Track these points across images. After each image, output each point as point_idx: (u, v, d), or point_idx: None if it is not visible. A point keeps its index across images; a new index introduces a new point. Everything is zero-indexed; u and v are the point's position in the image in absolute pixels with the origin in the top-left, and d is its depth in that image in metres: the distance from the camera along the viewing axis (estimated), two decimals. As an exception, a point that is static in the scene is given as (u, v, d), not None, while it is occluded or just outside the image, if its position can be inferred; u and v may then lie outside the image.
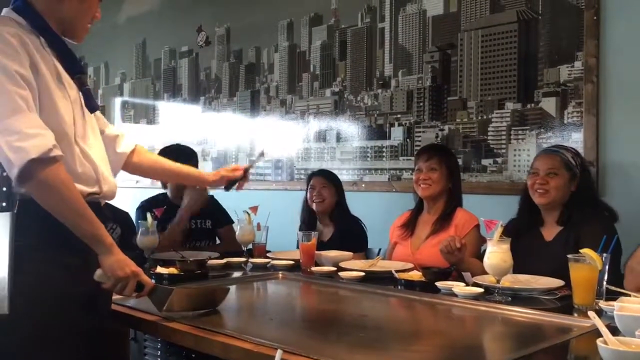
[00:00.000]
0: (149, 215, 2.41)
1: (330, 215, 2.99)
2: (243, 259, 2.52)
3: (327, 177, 3.03)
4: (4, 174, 1.30)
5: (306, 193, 3.04)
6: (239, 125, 4.26)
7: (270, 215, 2.69)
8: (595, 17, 2.60)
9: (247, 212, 2.66)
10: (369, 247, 3.00)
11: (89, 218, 1.36)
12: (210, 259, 2.45)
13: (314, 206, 2.97)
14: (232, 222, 3.06)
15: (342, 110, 3.65)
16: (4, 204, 1.30)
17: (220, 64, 4.42)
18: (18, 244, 1.30)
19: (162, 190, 3.18)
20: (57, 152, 1.30)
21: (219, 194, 3.47)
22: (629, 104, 2.55)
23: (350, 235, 2.91)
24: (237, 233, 2.68)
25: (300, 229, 2.96)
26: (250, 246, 2.67)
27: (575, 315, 1.64)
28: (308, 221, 3.02)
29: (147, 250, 2.41)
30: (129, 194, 3.23)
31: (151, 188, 3.54)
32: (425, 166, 2.51)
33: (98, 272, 1.41)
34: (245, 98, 4.24)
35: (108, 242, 1.40)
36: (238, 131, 4.25)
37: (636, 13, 2.52)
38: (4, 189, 1.30)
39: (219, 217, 3.12)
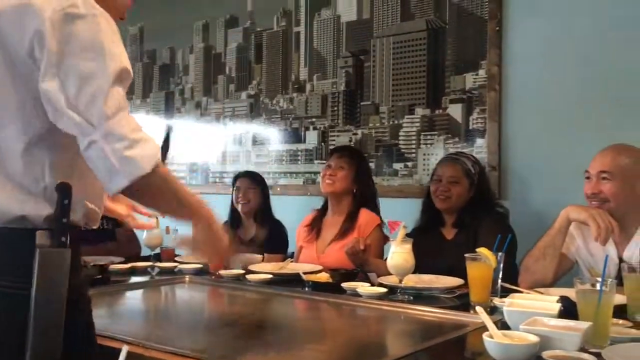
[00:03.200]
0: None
1: (255, 217, 2.99)
2: (149, 263, 2.45)
3: (252, 179, 3.04)
4: (65, 201, 1.10)
5: (232, 194, 3.03)
6: (152, 128, 4.14)
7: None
8: (497, 28, 2.74)
9: (155, 215, 2.59)
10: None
11: (193, 200, 1.24)
12: (113, 263, 2.37)
13: (239, 207, 2.96)
14: None
15: (257, 114, 3.64)
16: (63, 239, 1.11)
17: (133, 63, 4.27)
18: (73, 282, 1.14)
19: None
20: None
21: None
22: (527, 111, 2.69)
23: (272, 237, 2.93)
24: (144, 236, 2.60)
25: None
26: (157, 250, 2.60)
27: (471, 312, 1.69)
28: (232, 221, 3.01)
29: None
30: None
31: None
32: (334, 163, 2.55)
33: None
34: (160, 99, 4.14)
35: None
36: (151, 133, 4.14)
37: (535, 24, 2.67)
38: (64, 220, 1.10)
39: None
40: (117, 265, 2.37)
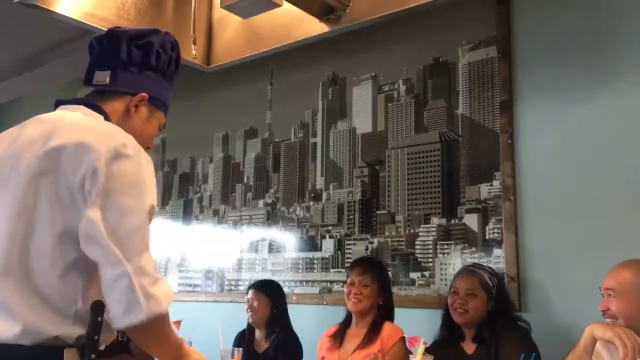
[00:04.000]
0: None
1: (266, 327, 2.96)
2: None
3: (260, 289, 3.04)
4: (99, 319, 1.17)
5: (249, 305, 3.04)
6: (170, 235, 4.22)
7: (196, 329, 2.62)
8: (509, 141, 2.82)
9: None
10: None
11: (178, 348, 1.32)
12: None
13: (251, 320, 2.95)
14: None
15: (274, 221, 3.69)
16: (92, 356, 1.16)
17: (154, 172, 4.43)
18: None
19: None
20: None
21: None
22: (544, 220, 2.70)
23: (287, 350, 2.88)
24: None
25: (237, 340, 2.91)
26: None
27: None
28: (247, 334, 2.98)
29: None
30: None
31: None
32: (358, 280, 2.56)
33: None
34: (178, 207, 4.24)
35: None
36: (169, 240, 4.21)
37: (545, 137, 2.75)
38: (96, 337, 1.16)
39: None
40: (130, 379, 2.33)
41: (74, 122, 1.26)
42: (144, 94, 1.40)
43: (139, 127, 1.40)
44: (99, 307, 1.17)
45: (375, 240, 3.21)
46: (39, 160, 1.19)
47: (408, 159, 3.18)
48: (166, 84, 1.48)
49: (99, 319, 1.16)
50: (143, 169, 1.21)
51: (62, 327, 1.15)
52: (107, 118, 1.33)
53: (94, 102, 1.35)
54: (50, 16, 2.66)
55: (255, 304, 2.96)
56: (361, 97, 3.44)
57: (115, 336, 1.29)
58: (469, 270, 2.43)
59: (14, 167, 1.21)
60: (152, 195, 1.22)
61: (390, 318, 2.57)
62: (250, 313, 2.95)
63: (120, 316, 1.14)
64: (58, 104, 1.37)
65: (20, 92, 4.82)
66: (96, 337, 1.16)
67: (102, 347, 1.25)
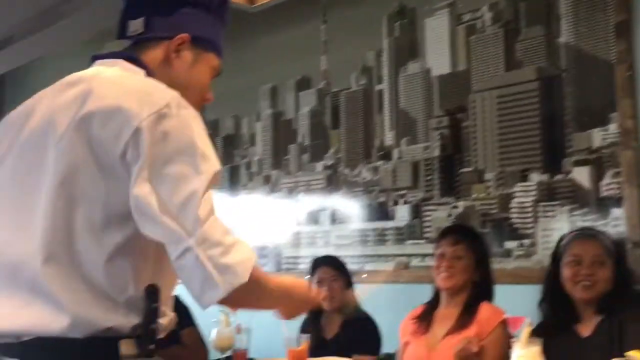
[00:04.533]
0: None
1: (339, 310, 2.97)
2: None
3: (336, 267, 3.04)
4: (154, 305, 1.19)
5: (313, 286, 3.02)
6: (215, 208, 4.24)
7: (254, 315, 2.62)
8: (628, 73, 2.67)
9: (224, 312, 2.61)
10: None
11: (281, 289, 1.38)
12: None
13: (324, 304, 2.93)
14: (194, 324, 3.04)
15: (336, 187, 3.66)
16: (151, 347, 1.18)
17: (193, 136, 4.47)
18: None
19: None
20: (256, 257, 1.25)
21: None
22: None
23: (362, 336, 2.88)
24: (212, 337, 2.63)
25: (304, 326, 2.92)
26: (229, 353, 2.60)
27: None
28: (313, 318, 2.98)
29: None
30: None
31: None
32: (449, 252, 2.51)
33: None
34: (223, 175, 4.25)
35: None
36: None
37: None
38: (153, 325, 1.19)
39: (181, 317, 3.07)
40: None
41: (111, 81, 1.27)
42: (183, 35, 1.39)
43: (184, 75, 1.39)
44: (153, 292, 1.19)
45: (460, 204, 3.14)
46: (75, 128, 1.20)
47: (498, 103, 3.07)
48: (212, 20, 1.46)
49: (154, 305, 1.19)
50: (192, 128, 1.20)
51: (115, 317, 1.17)
52: (149, 72, 1.34)
53: (133, 55, 1.36)
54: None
55: (335, 285, 2.96)
56: (436, 31, 3.33)
57: (173, 321, 1.31)
58: (590, 234, 2.31)
59: (48, 136, 1.23)
60: (208, 157, 1.21)
61: (488, 297, 2.50)
62: (325, 295, 2.94)
63: (198, 296, 1.17)
64: (94, 59, 1.39)
65: (40, 51, 4.94)
66: (153, 326, 1.19)
67: (162, 336, 1.27)
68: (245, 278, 1.17)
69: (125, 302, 1.18)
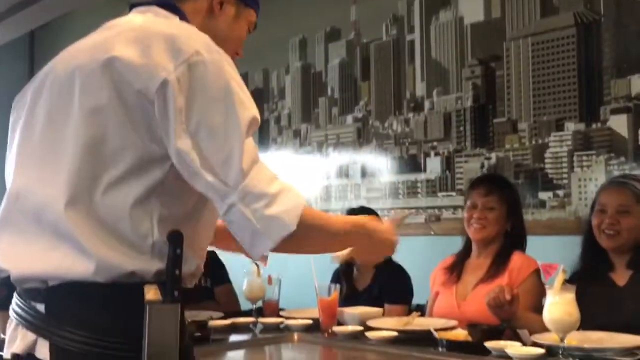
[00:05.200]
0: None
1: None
2: (251, 319, 2.50)
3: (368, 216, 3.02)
4: (177, 251, 1.18)
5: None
6: (257, 153, 4.27)
7: (285, 266, 2.66)
8: (670, 16, 2.59)
9: (256, 263, 2.64)
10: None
11: (347, 225, 1.36)
12: (212, 319, 2.44)
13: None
14: (229, 281, 3.13)
15: (366, 140, 3.64)
16: (175, 293, 1.18)
17: (222, 90, 4.48)
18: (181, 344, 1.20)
19: None
20: (305, 202, 1.23)
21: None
22: None
23: (393, 285, 2.90)
24: (244, 288, 2.67)
25: (335, 278, 2.95)
26: (259, 303, 2.65)
27: (664, 379, 1.57)
28: (345, 269, 3.01)
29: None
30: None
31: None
32: (481, 202, 2.49)
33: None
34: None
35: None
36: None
37: None
38: (177, 272, 1.18)
39: (217, 273, 3.13)
40: (217, 321, 2.43)
41: (141, 26, 1.25)
42: None
43: (226, 30, 1.38)
44: (176, 238, 1.18)
45: (493, 155, 3.11)
46: (101, 71, 1.18)
47: (533, 50, 3.01)
48: None
49: (178, 251, 1.17)
50: (226, 74, 1.18)
51: (138, 262, 1.17)
52: (183, 18, 1.32)
53: (170, 2, 1.34)
54: None
55: None
56: (469, -22, 3.26)
57: (199, 270, 1.30)
58: (618, 182, 2.29)
59: (75, 78, 1.22)
60: (246, 104, 1.18)
61: (521, 247, 2.49)
62: None
63: (250, 250, 1.19)
64: (132, 7, 1.36)
65: (70, 5, 4.93)
66: (177, 272, 1.18)
67: (189, 285, 1.28)
68: (293, 226, 1.15)
69: (149, 247, 1.18)
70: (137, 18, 1.30)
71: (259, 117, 1.20)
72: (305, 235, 1.20)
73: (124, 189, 1.17)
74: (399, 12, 3.54)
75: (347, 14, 3.77)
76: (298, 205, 1.17)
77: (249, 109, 1.18)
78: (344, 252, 1.46)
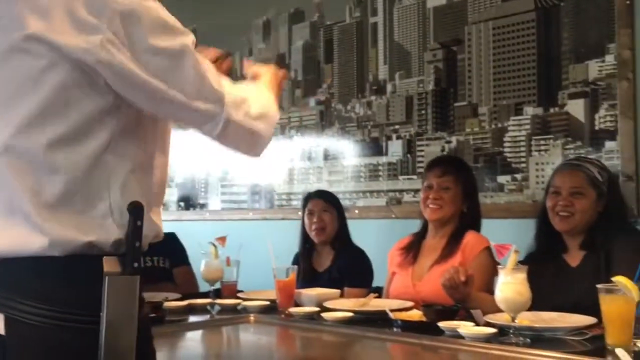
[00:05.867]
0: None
1: (332, 244, 2.99)
2: (209, 301, 2.50)
3: (327, 199, 3.05)
4: (138, 223, 1.17)
5: (302, 219, 3.03)
6: (207, 146, 4.23)
7: (244, 248, 2.65)
8: (628, 2, 2.62)
9: (213, 244, 2.63)
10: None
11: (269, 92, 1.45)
12: (168, 300, 2.43)
13: (312, 234, 2.96)
14: (188, 263, 3.13)
15: (329, 123, 3.64)
16: (135, 265, 1.17)
17: (184, 71, 4.42)
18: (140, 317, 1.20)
19: None
20: None
21: (181, 227, 3.46)
22: (671, 104, 2.54)
23: (353, 268, 2.91)
24: (201, 269, 2.66)
25: (295, 261, 2.95)
26: (218, 285, 2.64)
27: (609, 358, 1.60)
28: (304, 251, 3.01)
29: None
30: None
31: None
32: (437, 183, 2.51)
33: None
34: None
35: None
36: (206, 153, 4.23)
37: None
38: (137, 243, 1.17)
39: (176, 255, 3.12)
40: (173, 302, 2.43)
41: None
42: None
43: None
44: (137, 210, 1.17)
45: (454, 138, 3.13)
46: (27, 49, 1.13)
47: (494, 34, 3.03)
48: None
49: (138, 222, 1.16)
50: (156, 7, 1.18)
51: (95, 230, 1.15)
52: None
53: None
54: None
55: (326, 216, 2.96)
56: (432, -40, 3.26)
57: (159, 236, 1.29)
58: (571, 165, 2.31)
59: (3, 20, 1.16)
60: (181, 30, 1.21)
61: (476, 228, 2.51)
62: (317, 228, 2.95)
63: (251, 151, 1.34)
64: None
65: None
66: (137, 244, 1.17)
67: (145, 245, 1.25)
68: (277, 111, 1.36)
69: (106, 216, 1.16)
70: None
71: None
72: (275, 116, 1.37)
73: (74, 145, 1.14)
74: (363, -6, 3.53)
75: (311, -4, 3.75)
76: (265, 92, 1.37)
77: (186, 34, 1.21)
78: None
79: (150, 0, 1.18)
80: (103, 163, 1.16)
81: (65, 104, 1.14)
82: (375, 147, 3.43)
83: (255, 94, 1.34)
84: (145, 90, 1.16)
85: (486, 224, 2.63)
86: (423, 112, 3.25)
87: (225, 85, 1.24)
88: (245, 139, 1.29)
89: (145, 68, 1.14)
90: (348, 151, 3.55)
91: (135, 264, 1.16)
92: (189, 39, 1.21)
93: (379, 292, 2.74)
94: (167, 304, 2.36)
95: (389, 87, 3.40)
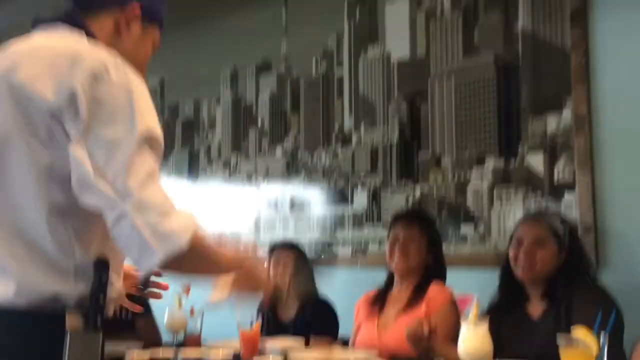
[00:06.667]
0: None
1: (294, 292, 2.97)
2: (172, 351, 2.45)
3: (292, 249, 3.05)
4: (103, 279, 1.16)
5: (268, 269, 3.00)
6: (174, 192, 4.19)
7: (207, 297, 2.61)
8: (583, 60, 2.69)
9: (178, 294, 2.59)
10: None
11: (229, 259, 1.30)
12: (130, 351, 2.40)
13: (280, 286, 2.93)
14: (151, 312, 3.07)
15: (295, 172, 3.64)
16: (97, 321, 1.15)
17: (152, 119, 4.41)
18: None
19: None
20: (198, 224, 1.19)
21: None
22: (626, 159, 2.59)
23: (319, 318, 2.89)
24: (165, 319, 2.61)
25: (259, 310, 2.91)
26: (182, 335, 2.59)
27: (572, 410, 1.59)
28: (269, 301, 2.97)
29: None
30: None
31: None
32: (403, 235, 2.53)
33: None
34: (182, 159, 4.20)
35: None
36: (173, 199, 4.19)
37: (628, 54, 2.61)
38: (101, 300, 1.16)
39: (139, 304, 3.06)
40: (135, 353, 2.38)
41: (45, 45, 1.25)
42: (135, 5, 1.37)
43: (131, 49, 1.38)
44: (102, 265, 1.17)
45: (418, 189, 3.14)
46: (5, 98, 1.18)
47: (456, 88, 3.08)
48: None
49: (103, 278, 1.17)
50: (131, 90, 1.18)
51: (61, 283, 1.16)
52: (90, 36, 1.31)
53: (76, 19, 1.32)
54: None
55: (291, 266, 2.94)
56: (396, 16, 3.32)
57: (121, 295, 1.31)
58: (534, 216, 2.37)
59: None
60: (145, 117, 1.17)
61: (440, 278, 2.53)
62: (276, 275, 2.93)
63: (137, 262, 1.15)
64: (35, 23, 1.34)
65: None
66: (101, 299, 1.16)
67: (110, 307, 1.25)
68: (184, 245, 1.12)
69: (73, 269, 1.17)
70: (42, 38, 1.28)
71: (159, 130, 1.19)
72: (193, 258, 1.16)
73: (37, 204, 1.16)
74: (329, 47, 3.57)
75: (277, 47, 3.79)
76: (191, 224, 1.15)
77: (148, 121, 1.17)
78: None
79: (133, 80, 1.19)
80: (68, 218, 1.17)
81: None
82: (341, 197, 3.43)
83: (184, 220, 1.15)
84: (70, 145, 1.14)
85: (450, 274, 2.64)
86: (388, 162, 3.28)
87: (153, 191, 1.14)
88: (136, 247, 1.12)
89: (84, 132, 1.14)
90: (314, 200, 3.55)
91: (98, 320, 1.15)
92: (146, 127, 1.16)
93: (344, 341, 2.71)
94: (129, 356, 2.31)
95: (354, 138, 3.42)
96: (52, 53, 1.20)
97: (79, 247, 1.17)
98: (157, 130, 1.19)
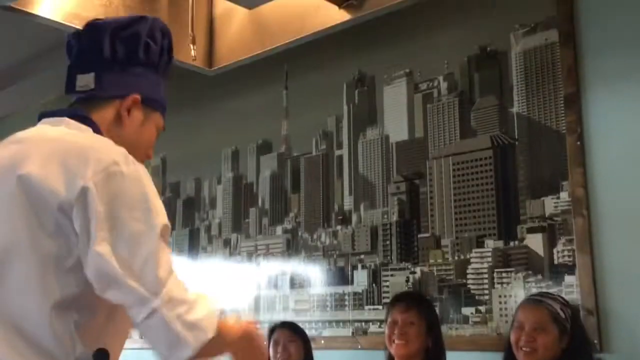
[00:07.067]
0: None
1: None
2: None
3: (293, 330, 3.02)
4: None
5: (268, 349, 2.95)
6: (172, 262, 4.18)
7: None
8: (578, 142, 2.71)
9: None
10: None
11: (239, 335, 1.34)
12: None
13: None
14: None
15: (296, 251, 3.62)
16: None
17: (153, 197, 4.42)
18: None
19: None
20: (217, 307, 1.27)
21: (140, 355, 3.34)
22: (627, 239, 2.57)
23: None
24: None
25: None
26: None
27: None
28: None
29: None
30: None
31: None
32: (401, 319, 2.51)
33: None
34: (183, 237, 4.20)
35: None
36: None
37: (623, 136, 2.63)
38: None
39: None
40: None
41: (55, 139, 1.26)
42: (136, 95, 1.40)
43: (134, 135, 1.41)
44: (102, 357, 1.18)
45: (418, 269, 3.12)
46: (12, 189, 1.19)
47: (454, 170, 3.09)
48: (159, 79, 1.48)
49: None
50: (143, 185, 1.22)
51: None
52: (96, 130, 1.33)
53: (80, 113, 1.35)
54: (30, 19, 2.71)
55: (292, 347, 2.91)
56: (394, 99, 3.37)
57: None
58: (534, 300, 2.34)
59: None
60: (160, 212, 1.22)
61: (441, 364, 2.47)
62: (281, 357, 2.90)
63: (166, 356, 1.19)
64: (41, 117, 1.37)
65: (5, 109, 4.88)
66: None
67: None
68: (213, 332, 1.19)
69: (70, 357, 1.16)
70: (50, 130, 1.30)
71: (170, 225, 1.24)
72: (218, 342, 1.21)
73: (40, 299, 1.15)
74: (329, 128, 3.62)
75: (278, 128, 3.84)
76: (215, 311, 1.22)
77: (163, 217, 1.21)
78: None
79: (141, 174, 1.22)
80: (71, 313, 1.17)
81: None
82: (341, 277, 3.41)
83: (207, 307, 1.22)
84: (90, 243, 1.15)
85: (451, 357, 2.60)
86: (387, 242, 3.27)
87: (175, 283, 1.19)
88: (168, 341, 1.16)
89: (105, 230, 1.15)
90: (314, 280, 3.52)
91: None
92: (161, 223, 1.21)
93: None
94: None
95: (354, 218, 3.42)
96: (62, 147, 1.22)
97: (79, 341, 1.17)
98: (168, 222, 1.24)
